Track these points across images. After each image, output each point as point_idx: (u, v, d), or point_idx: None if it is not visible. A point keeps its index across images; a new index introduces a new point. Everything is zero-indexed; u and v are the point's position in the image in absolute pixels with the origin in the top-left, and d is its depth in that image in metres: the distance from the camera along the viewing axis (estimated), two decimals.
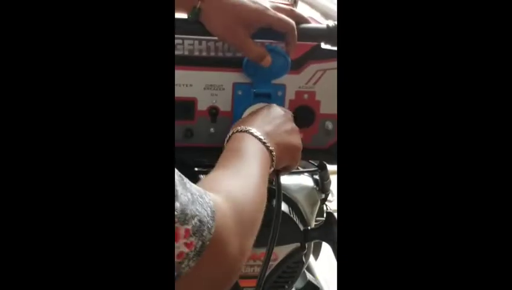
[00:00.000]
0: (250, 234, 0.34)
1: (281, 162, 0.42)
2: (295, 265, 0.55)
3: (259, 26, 0.45)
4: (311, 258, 0.68)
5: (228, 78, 0.49)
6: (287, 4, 0.54)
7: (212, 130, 0.50)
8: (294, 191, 0.58)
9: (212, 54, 0.49)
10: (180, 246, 0.26)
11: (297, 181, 0.61)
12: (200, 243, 0.26)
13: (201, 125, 0.50)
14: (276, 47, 0.47)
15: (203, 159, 0.57)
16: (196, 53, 0.48)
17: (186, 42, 0.48)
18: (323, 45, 0.50)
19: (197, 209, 0.27)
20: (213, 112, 0.49)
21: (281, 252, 0.53)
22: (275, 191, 0.46)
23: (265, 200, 0.38)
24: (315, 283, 0.63)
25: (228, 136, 0.42)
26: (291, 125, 0.45)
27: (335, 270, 0.60)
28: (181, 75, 0.48)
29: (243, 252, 0.32)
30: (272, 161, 0.40)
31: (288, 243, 0.53)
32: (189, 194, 0.27)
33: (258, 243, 0.52)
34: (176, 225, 0.26)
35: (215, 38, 0.48)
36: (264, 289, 0.50)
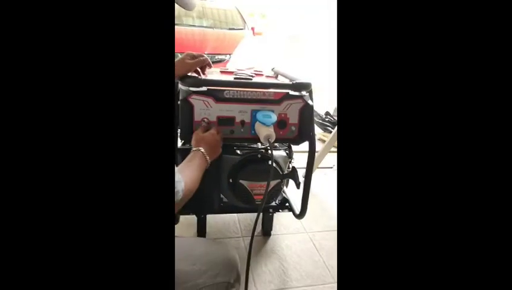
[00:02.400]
0: (191, 193, 0.81)
1: (211, 156, 0.95)
2: (278, 188, 1.12)
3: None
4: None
5: (249, 107, 1.03)
6: (270, 77, 1.10)
7: (242, 130, 1.04)
8: (278, 157, 1.13)
9: (242, 96, 1.02)
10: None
11: (279, 153, 1.16)
12: (177, 199, 0.72)
13: (237, 128, 1.04)
14: (266, 113, 1.02)
15: (238, 143, 1.14)
16: (235, 96, 1.02)
17: (231, 92, 1.01)
18: (290, 92, 1.04)
19: (177, 187, 0.71)
20: (242, 122, 1.04)
21: (272, 183, 1.10)
22: (270, 157, 1.05)
23: (199, 180, 0.87)
24: (286, 197, 1.26)
25: (192, 150, 0.94)
26: (215, 142, 0.97)
27: (293, 191, 1.19)
28: (228, 106, 1.01)
29: (188, 198, 0.80)
30: (206, 161, 0.92)
31: (275, 179, 1.10)
32: (176, 178, 0.72)
33: (262, 179, 1.10)
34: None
35: (243, 89, 1.03)
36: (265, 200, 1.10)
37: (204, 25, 3.84)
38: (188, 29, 3.61)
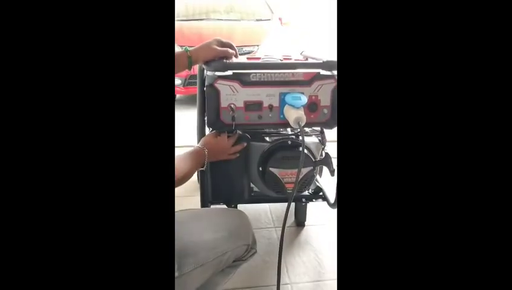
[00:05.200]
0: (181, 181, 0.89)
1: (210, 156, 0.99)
2: (311, 176, 1.06)
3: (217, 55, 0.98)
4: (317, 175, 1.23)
5: (277, 90, 0.97)
6: (300, 60, 1.03)
7: (270, 115, 0.98)
8: (309, 143, 1.07)
9: (269, 79, 0.96)
10: None
11: (310, 139, 1.10)
12: None
13: (265, 113, 0.98)
14: (295, 94, 0.96)
15: (266, 129, 1.09)
16: (262, 79, 0.96)
17: (257, 74, 0.95)
18: (321, 72, 0.98)
19: None
20: (270, 107, 0.98)
21: (304, 170, 1.03)
22: (300, 143, 0.98)
23: (191, 170, 0.93)
24: (320, 186, 1.19)
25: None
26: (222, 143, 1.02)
27: (330, 181, 1.12)
28: (255, 90, 0.96)
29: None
30: (204, 159, 0.97)
31: (307, 167, 1.04)
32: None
33: (293, 166, 1.02)
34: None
35: (270, 71, 0.97)
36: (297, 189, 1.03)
37: (232, 18, 3.81)
38: (216, 24, 3.60)
